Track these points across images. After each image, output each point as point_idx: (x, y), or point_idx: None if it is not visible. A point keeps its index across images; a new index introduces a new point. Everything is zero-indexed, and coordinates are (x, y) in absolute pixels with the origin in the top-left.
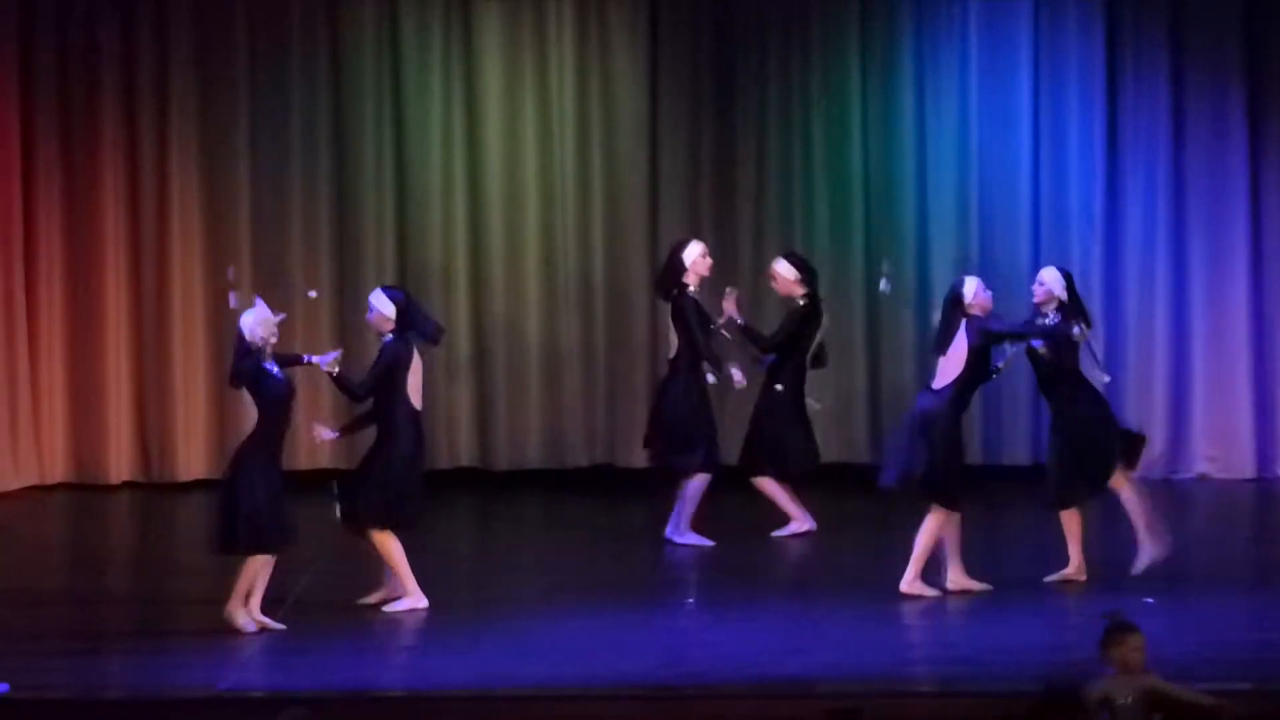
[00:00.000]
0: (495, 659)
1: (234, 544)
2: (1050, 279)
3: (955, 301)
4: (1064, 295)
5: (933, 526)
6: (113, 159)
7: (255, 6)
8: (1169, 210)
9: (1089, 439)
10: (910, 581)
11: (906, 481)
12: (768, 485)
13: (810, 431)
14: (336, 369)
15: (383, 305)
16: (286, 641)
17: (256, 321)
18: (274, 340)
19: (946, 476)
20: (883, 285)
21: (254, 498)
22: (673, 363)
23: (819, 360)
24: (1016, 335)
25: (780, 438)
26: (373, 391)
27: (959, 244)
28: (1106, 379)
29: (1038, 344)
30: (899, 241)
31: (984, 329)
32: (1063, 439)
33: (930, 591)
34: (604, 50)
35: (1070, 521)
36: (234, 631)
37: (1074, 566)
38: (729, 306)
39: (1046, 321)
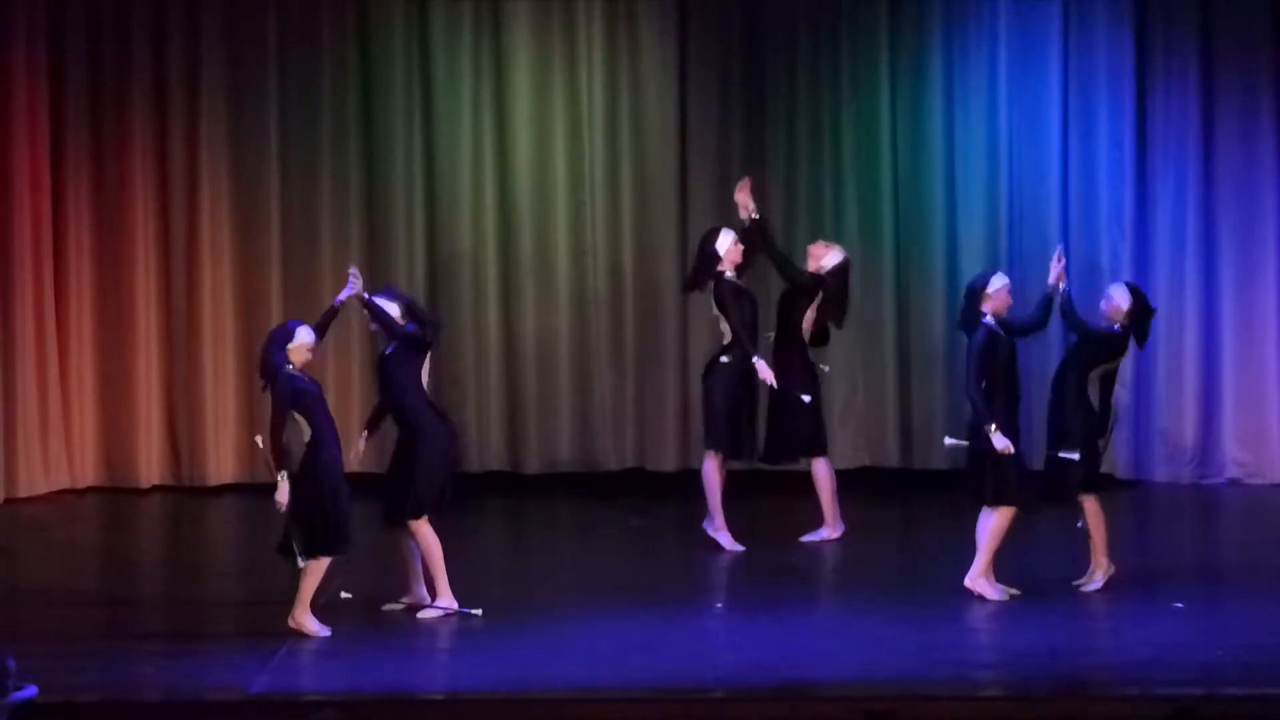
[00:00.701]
0: (526, 661)
1: (314, 549)
2: (1118, 295)
3: (975, 291)
4: (1129, 308)
5: (999, 524)
6: (142, 162)
7: (285, 9)
8: (1198, 213)
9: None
10: (974, 578)
11: (979, 497)
12: (821, 474)
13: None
14: (365, 292)
15: (389, 307)
16: (318, 644)
17: (308, 333)
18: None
19: (1004, 480)
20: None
21: (338, 501)
22: (725, 348)
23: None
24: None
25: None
26: (414, 333)
27: (988, 246)
28: None
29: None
30: (928, 243)
31: (974, 351)
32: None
33: (993, 592)
34: (633, 50)
35: (1094, 520)
36: (265, 634)
37: (1103, 568)
38: (741, 198)
39: (1115, 330)
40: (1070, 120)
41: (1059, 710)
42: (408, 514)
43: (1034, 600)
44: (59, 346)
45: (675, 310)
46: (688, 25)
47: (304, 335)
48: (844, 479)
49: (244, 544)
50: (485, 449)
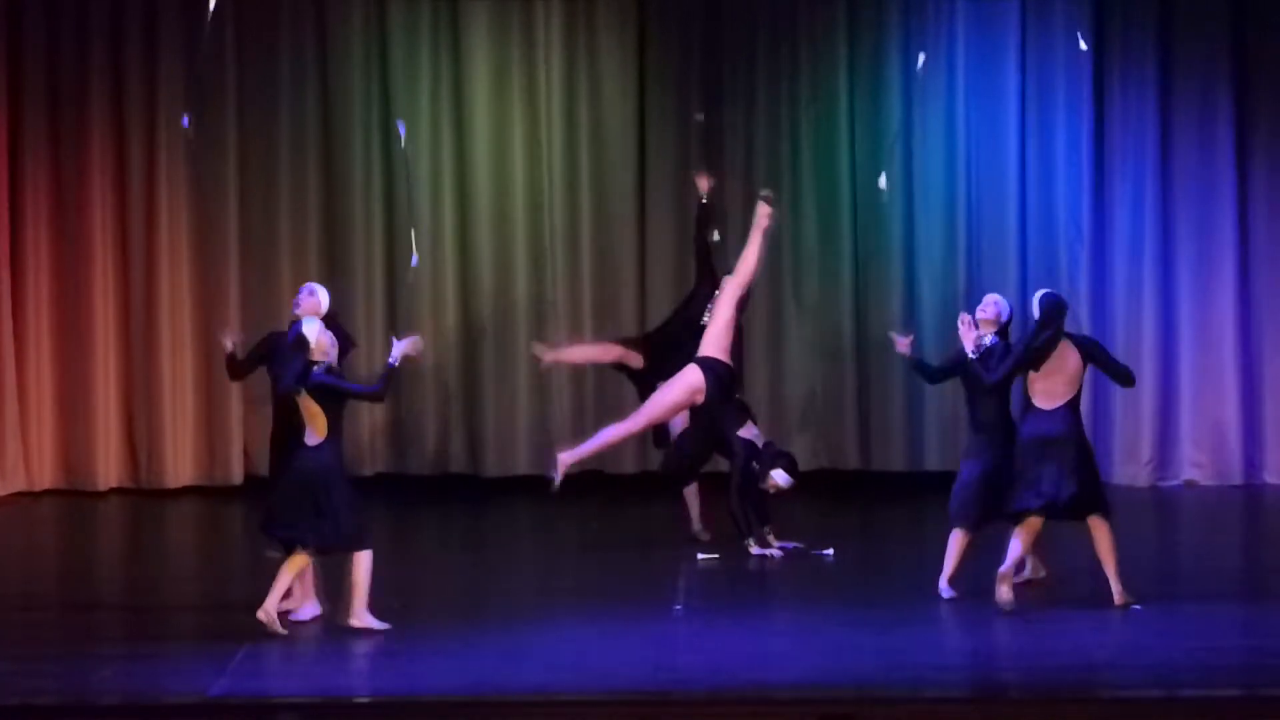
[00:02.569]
0: (485, 664)
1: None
2: (1001, 306)
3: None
4: (1008, 321)
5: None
6: (101, 165)
7: (244, 10)
8: (1156, 219)
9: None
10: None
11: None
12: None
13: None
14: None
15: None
16: (278, 647)
17: (321, 333)
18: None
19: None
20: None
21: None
22: None
23: None
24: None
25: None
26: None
27: (947, 253)
28: None
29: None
30: (886, 246)
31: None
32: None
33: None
34: (592, 52)
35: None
36: (225, 637)
37: (1033, 569)
38: (701, 184)
39: (985, 341)
40: (1028, 125)
41: (1017, 713)
42: (353, 545)
43: (991, 604)
44: (16, 349)
45: (633, 313)
46: (647, 26)
47: (316, 333)
48: (802, 481)
49: (203, 547)
50: (444, 453)
